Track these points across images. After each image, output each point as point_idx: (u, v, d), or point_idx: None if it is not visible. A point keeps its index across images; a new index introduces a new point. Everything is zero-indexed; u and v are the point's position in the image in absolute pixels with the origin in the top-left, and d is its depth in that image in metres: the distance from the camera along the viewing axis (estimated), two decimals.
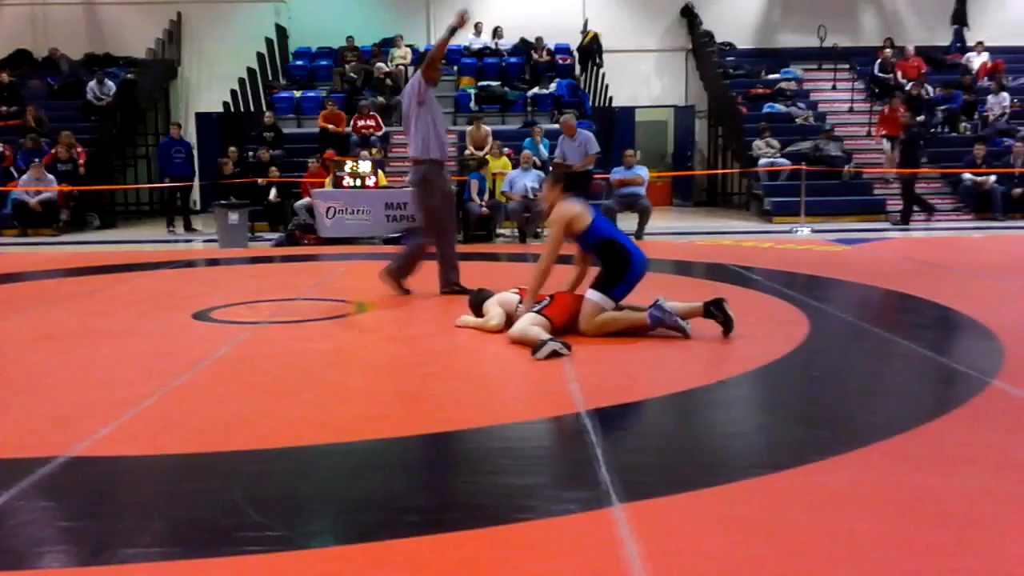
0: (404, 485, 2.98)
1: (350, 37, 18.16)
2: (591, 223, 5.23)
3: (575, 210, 5.26)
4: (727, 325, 5.06)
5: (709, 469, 3.07)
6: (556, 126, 16.19)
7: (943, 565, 2.33)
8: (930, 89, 16.36)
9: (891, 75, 17.17)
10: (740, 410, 3.99)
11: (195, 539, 2.53)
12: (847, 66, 18.05)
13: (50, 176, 13.79)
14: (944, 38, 18.87)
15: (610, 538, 2.47)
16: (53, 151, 14.52)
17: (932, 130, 15.89)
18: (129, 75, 17.61)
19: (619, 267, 5.15)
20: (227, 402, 4.00)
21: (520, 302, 5.33)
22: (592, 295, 5.19)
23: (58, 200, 13.84)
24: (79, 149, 14.80)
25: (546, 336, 4.75)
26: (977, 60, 17.81)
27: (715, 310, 5.09)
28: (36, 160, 14.00)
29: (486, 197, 12.06)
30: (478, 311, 5.57)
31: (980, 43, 18.02)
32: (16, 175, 14.10)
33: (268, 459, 3.22)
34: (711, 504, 2.72)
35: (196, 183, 15.58)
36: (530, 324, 4.96)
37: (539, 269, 5.26)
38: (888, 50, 17.58)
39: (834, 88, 17.79)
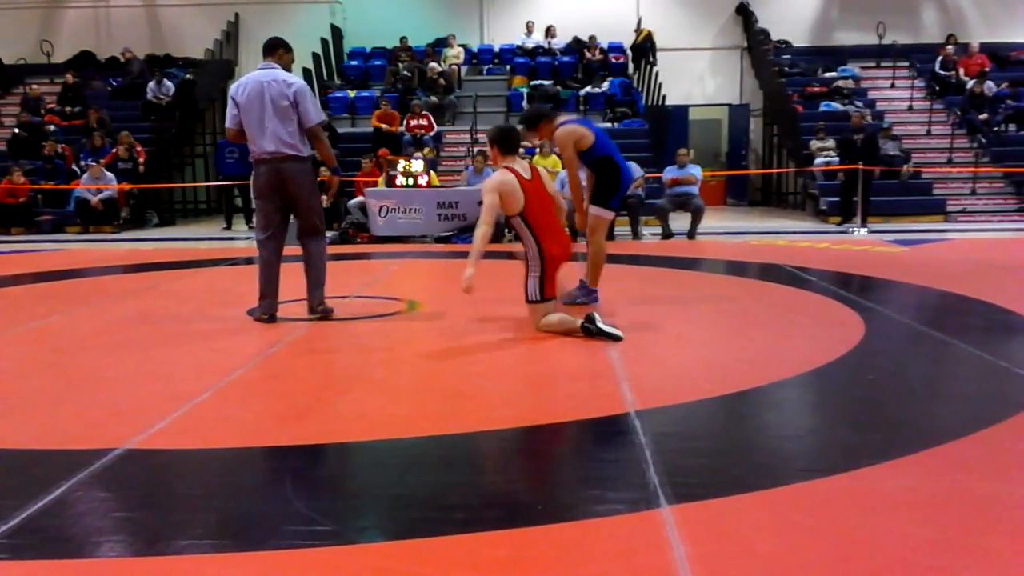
0: (450, 482, 2.99)
1: (403, 37, 18.27)
2: (595, 140, 5.94)
3: (580, 130, 5.94)
4: (612, 338, 4.95)
5: (759, 471, 3.03)
6: (609, 124, 16.18)
7: (1000, 573, 2.27)
8: (992, 86, 15.95)
9: (952, 73, 16.77)
10: (792, 412, 3.94)
11: (245, 532, 2.57)
12: (906, 64, 17.67)
13: (110, 175, 14.11)
14: (1009, 34, 18.37)
15: (657, 539, 2.45)
16: (114, 150, 14.85)
17: (995, 128, 15.50)
18: (188, 75, 17.95)
19: (612, 181, 5.93)
20: (279, 398, 4.06)
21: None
22: (593, 210, 6.01)
23: (118, 198, 14.16)
24: (139, 148, 15.12)
25: (573, 321, 5.08)
26: None
27: (589, 325, 5.02)
28: (90, 160, 14.31)
29: None
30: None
31: None
32: (80, 174, 14.45)
33: (318, 454, 3.26)
34: (761, 507, 2.69)
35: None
36: (546, 315, 5.25)
37: (571, 179, 6.12)
38: (950, 47, 17.17)
39: (893, 86, 17.43)
